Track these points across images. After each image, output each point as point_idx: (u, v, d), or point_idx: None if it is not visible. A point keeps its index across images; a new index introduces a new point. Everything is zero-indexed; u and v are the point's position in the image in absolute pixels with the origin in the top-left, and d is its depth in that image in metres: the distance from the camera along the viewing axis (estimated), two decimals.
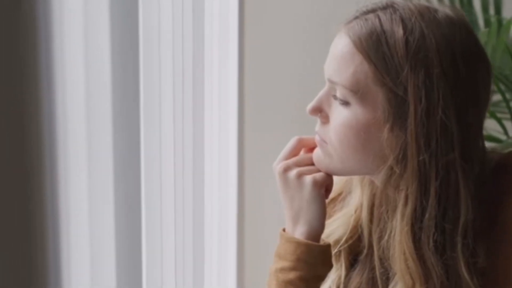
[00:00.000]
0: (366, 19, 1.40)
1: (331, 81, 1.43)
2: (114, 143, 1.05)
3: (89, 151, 1.01)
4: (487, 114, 1.99)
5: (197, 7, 1.89)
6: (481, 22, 2.52)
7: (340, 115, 1.41)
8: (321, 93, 1.45)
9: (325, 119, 1.44)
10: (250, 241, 2.69)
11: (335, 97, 1.42)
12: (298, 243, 1.48)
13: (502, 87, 2.12)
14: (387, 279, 1.47)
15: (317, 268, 1.47)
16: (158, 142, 1.64)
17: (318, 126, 1.47)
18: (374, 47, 1.37)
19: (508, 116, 2.16)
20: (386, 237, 1.43)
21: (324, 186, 1.49)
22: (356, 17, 1.42)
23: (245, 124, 2.57)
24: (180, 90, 1.80)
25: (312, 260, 1.47)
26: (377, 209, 1.45)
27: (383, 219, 1.44)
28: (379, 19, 1.39)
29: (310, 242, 1.47)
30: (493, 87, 2.19)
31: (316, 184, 1.48)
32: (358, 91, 1.38)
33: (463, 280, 1.39)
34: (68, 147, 0.77)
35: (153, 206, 1.60)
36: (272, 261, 1.52)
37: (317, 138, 1.47)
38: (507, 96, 2.13)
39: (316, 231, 1.48)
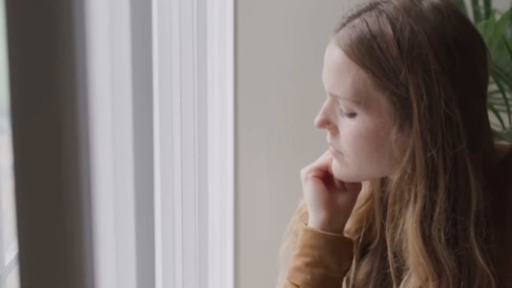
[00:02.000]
0: (353, 26, 1.38)
1: (332, 95, 1.42)
2: (134, 141, 1.05)
3: (114, 147, 1.03)
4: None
5: (200, 15, 1.91)
6: (470, 13, 2.53)
7: (348, 125, 1.41)
8: (325, 105, 1.44)
9: (335, 130, 1.44)
10: (245, 235, 2.69)
11: (340, 109, 1.42)
12: (305, 230, 1.51)
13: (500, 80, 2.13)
14: (399, 273, 1.47)
15: (323, 256, 1.48)
16: (170, 141, 1.65)
17: (329, 138, 1.46)
18: (367, 54, 1.36)
19: (504, 108, 2.17)
20: (399, 232, 1.43)
21: (317, 178, 1.51)
22: (343, 25, 1.40)
23: (239, 122, 2.57)
24: (188, 92, 1.82)
25: (317, 246, 1.48)
26: (390, 206, 1.44)
27: (396, 216, 1.44)
28: (367, 24, 1.37)
29: (315, 229, 1.49)
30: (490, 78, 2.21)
31: (306, 178, 1.52)
32: (361, 101, 1.38)
33: (478, 268, 1.39)
34: (94, 149, 0.78)
35: (166, 203, 1.61)
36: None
37: (331, 149, 1.47)
38: (503, 87, 2.14)
39: (322, 221, 1.49)
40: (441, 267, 1.39)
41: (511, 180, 1.43)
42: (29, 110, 0.70)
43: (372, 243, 1.53)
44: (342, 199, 1.51)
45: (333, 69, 1.40)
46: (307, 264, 1.49)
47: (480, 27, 2.13)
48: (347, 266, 1.50)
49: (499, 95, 2.25)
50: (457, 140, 1.36)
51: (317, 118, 1.44)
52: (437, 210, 1.37)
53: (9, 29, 0.69)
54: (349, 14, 1.41)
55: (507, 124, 2.16)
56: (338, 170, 1.48)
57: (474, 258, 1.38)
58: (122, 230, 1.09)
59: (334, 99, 1.42)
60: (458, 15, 1.40)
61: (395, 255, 1.47)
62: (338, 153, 1.46)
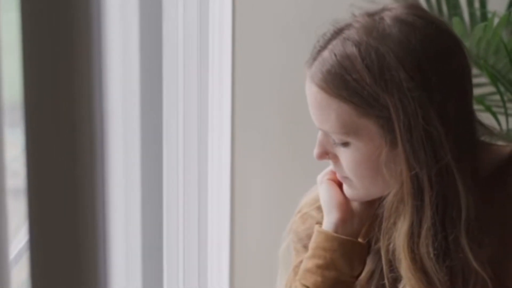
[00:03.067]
0: (323, 60, 1.38)
1: (321, 130, 1.43)
2: (143, 140, 1.05)
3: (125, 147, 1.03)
4: (482, 108, 2.02)
5: (203, 19, 1.93)
6: (466, 15, 2.54)
7: (345, 154, 1.41)
8: (319, 137, 1.45)
9: (335, 159, 1.45)
10: (241, 234, 2.69)
11: (333, 140, 1.42)
12: (319, 232, 1.51)
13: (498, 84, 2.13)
14: (394, 281, 1.47)
15: (335, 259, 1.48)
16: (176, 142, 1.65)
17: (332, 165, 1.48)
18: (343, 86, 1.36)
19: (501, 110, 2.18)
20: (392, 244, 1.43)
21: (332, 181, 1.51)
22: (314, 59, 1.40)
23: (236, 125, 2.58)
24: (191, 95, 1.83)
25: (329, 248, 1.48)
26: (385, 220, 1.45)
27: (390, 229, 1.44)
28: (335, 55, 1.37)
29: (329, 231, 1.48)
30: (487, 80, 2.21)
31: (322, 181, 1.52)
32: (349, 131, 1.38)
33: (472, 273, 1.40)
34: (109, 149, 0.78)
35: (171, 203, 1.61)
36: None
37: (338, 175, 1.49)
38: (501, 90, 2.14)
39: (335, 223, 1.49)
40: (432, 281, 1.39)
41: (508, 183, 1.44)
42: (44, 105, 0.70)
43: (377, 242, 1.54)
44: (356, 203, 1.51)
45: (315, 107, 1.41)
46: (319, 267, 1.48)
47: (477, 29, 2.14)
48: (359, 270, 1.49)
49: (497, 97, 2.25)
50: (441, 153, 1.35)
51: (315, 151, 1.45)
52: (425, 227, 1.38)
53: (24, 29, 0.69)
54: (317, 46, 1.41)
55: (504, 126, 2.17)
56: (348, 193, 1.49)
57: (468, 263, 1.39)
58: (132, 226, 1.09)
59: (326, 133, 1.43)
60: (427, 21, 1.38)
61: (390, 263, 1.47)
62: (344, 178, 1.47)
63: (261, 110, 2.63)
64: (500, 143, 1.55)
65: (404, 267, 1.41)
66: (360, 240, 1.50)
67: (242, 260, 2.68)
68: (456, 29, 2.05)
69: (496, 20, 2.13)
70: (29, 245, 0.75)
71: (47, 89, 0.69)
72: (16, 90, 0.75)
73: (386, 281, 1.46)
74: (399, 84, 1.33)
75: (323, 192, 1.52)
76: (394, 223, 1.42)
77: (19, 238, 1.32)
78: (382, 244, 1.44)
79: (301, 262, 1.56)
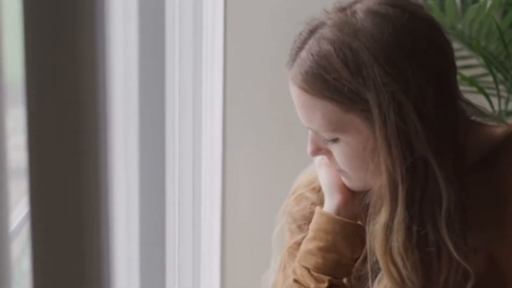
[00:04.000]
0: (302, 60, 1.38)
1: (310, 129, 1.44)
2: (145, 135, 1.06)
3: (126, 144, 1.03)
4: (475, 89, 2.02)
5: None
6: None
7: (336, 149, 1.42)
8: (310, 135, 1.45)
9: (328, 154, 1.45)
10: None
11: (324, 138, 1.43)
12: (320, 214, 1.50)
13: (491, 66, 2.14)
14: (378, 269, 1.47)
15: (337, 242, 1.48)
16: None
17: (327, 161, 1.48)
18: (323, 86, 1.36)
19: (493, 92, 2.18)
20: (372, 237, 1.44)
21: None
22: (293, 60, 1.40)
23: (227, 126, 2.58)
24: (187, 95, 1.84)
25: (331, 231, 1.48)
26: (371, 207, 1.45)
27: (374, 219, 1.44)
28: (312, 55, 1.37)
29: (331, 214, 1.49)
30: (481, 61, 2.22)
31: (321, 164, 1.51)
32: (337, 128, 1.39)
33: (453, 265, 1.39)
34: (113, 144, 0.78)
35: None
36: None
37: (334, 169, 1.49)
38: (493, 71, 2.15)
39: (337, 206, 1.49)
40: (403, 278, 1.40)
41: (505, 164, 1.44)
42: (45, 85, 0.70)
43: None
44: None
45: (301, 107, 1.42)
46: (320, 249, 1.49)
47: (471, 11, 2.14)
48: (359, 253, 1.49)
49: (488, 78, 2.26)
50: (418, 146, 1.35)
51: (309, 149, 1.46)
52: (396, 221, 1.38)
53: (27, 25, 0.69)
54: (295, 46, 1.41)
55: (496, 107, 2.17)
56: (347, 184, 1.49)
57: (449, 254, 1.39)
58: (133, 217, 1.09)
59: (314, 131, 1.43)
60: (400, 10, 1.36)
61: (373, 252, 1.47)
62: (340, 171, 1.47)
63: (252, 103, 2.63)
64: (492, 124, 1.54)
65: (379, 258, 1.42)
66: (359, 222, 1.51)
67: (233, 247, 2.69)
68: (435, 13, 2.04)
69: (488, 2, 2.13)
70: (30, 222, 0.75)
71: (49, 68, 0.69)
72: (17, 69, 0.75)
73: (369, 267, 1.46)
74: (374, 79, 1.33)
75: (323, 175, 1.52)
76: (376, 213, 1.42)
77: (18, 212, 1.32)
78: (367, 230, 1.45)
79: (295, 243, 1.56)
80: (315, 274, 1.48)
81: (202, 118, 2.09)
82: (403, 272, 1.39)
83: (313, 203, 1.55)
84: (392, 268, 1.40)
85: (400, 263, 1.39)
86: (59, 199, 0.76)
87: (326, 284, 1.48)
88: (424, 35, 1.37)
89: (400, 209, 1.37)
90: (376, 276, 1.45)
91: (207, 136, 2.20)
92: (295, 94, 1.41)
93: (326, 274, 1.48)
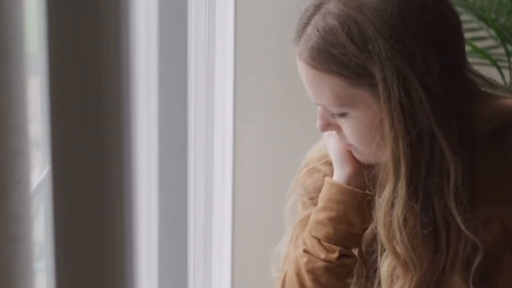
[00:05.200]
0: (308, 36, 1.38)
1: (319, 104, 1.43)
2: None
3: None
4: (485, 61, 2.01)
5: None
6: None
7: (345, 124, 1.42)
8: (319, 111, 1.45)
9: (338, 129, 1.45)
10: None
11: (332, 113, 1.42)
12: (331, 184, 1.50)
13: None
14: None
15: (348, 212, 1.48)
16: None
17: (336, 136, 1.47)
18: (330, 61, 1.36)
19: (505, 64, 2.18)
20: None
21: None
22: (300, 36, 1.40)
23: (237, 102, 2.58)
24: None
25: (342, 201, 1.48)
26: (378, 180, 1.45)
27: (379, 191, 1.44)
28: (318, 31, 1.37)
29: (342, 184, 1.49)
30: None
31: (330, 134, 1.50)
32: (345, 103, 1.38)
33: (461, 239, 1.39)
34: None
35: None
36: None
37: (343, 144, 1.48)
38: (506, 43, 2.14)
39: (348, 176, 1.49)
40: (401, 253, 1.40)
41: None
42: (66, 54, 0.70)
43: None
44: None
45: (308, 83, 1.41)
46: (331, 219, 1.49)
47: None
48: (369, 224, 1.49)
49: (499, 51, 2.25)
50: (423, 121, 1.34)
51: (318, 124, 1.45)
52: (399, 195, 1.38)
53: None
54: (301, 22, 1.40)
55: (508, 80, 2.17)
56: (357, 157, 1.49)
57: (458, 228, 1.39)
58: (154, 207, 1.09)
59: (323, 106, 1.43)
60: None
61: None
62: (350, 146, 1.47)
63: (261, 80, 2.63)
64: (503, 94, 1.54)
65: (379, 232, 1.42)
66: (368, 192, 1.51)
67: (243, 221, 2.70)
68: None
69: None
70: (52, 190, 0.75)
71: (72, 36, 0.69)
72: (36, 38, 0.75)
73: (379, 242, 1.46)
74: (379, 53, 1.33)
75: (332, 146, 1.52)
76: (382, 187, 1.42)
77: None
78: (376, 203, 1.45)
79: (308, 215, 1.56)
80: (326, 244, 1.49)
81: (215, 96, 2.09)
82: (401, 247, 1.39)
83: (325, 176, 1.55)
84: (391, 243, 1.40)
85: (399, 237, 1.39)
86: (82, 190, 0.76)
87: (336, 254, 1.48)
88: (429, 7, 1.36)
89: (401, 184, 1.37)
90: (385, 250, 1.46)
91: (218, 117, 2.21)
92: (303, 70, 1.41)
93: (336, 244, 1.49)
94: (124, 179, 0.74)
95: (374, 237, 1.48)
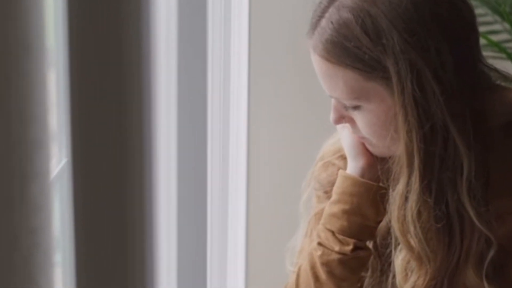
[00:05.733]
0: (322, 29, 1.38)
1: (332, 97, 1.43)
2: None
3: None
4: (503, 55, 2.00)
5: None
6: None
7: (359, 117, 1.42)
8: (333, 103, 1.45)
9: (351, 122, 1.45)
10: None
11: (346, 106, 1.42)
12: (345, 177, 1.51)
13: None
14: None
15: (362, 204, 1.48)
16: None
17: (350, 129, 1.47)
18: (344, 54, 1.36)
19: None
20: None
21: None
22: (314, 29, 1.40)
23: (251, 95, 2.58)
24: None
25: (356, 193, 1.48)
26: (392, 174, 1.45)
27: (394, 185, 1.44)
28: (332, 23, 1.36)
29: (356, 176, 1.49)
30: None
31: (343, 126, 1.50)
32: (359, 96, 1.38)
33: (475, 233, 1.39)
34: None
35: None
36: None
37: (356, 137, 1.48)
38: None
39: (362, 168, 1.49)
40: (415, 247, 1.40)
41: None
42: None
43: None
44: None
45: (322, 76, 1.41)
46: (345, 212, 1.49)
47: None
48: (383, 216, 1.49)
49: None
50: (437, 113, 1.34)
51: (331, 117, 1.45)
52: (410, 189, 1.38)
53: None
54: (315, 15, 1.40)
55: None
56: (371, 150, 1.49)
57: (471, 222, 1.39)
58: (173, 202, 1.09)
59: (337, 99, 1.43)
60: None
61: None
62: (363, 138, 1.47)
63: (276, 73, 2.63)
64: None
65: (393, 226, 1.42)
66: (382, 185, 1.51)
67: (257, 215, 2.70)
68: None
69: None
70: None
71: (92, 29, 0.69)
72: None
73: (393, 235, 1.46)
74: (393, 47, 1.33)
75: (346, 139, 1.52)
76: (396, 180, 1.42)
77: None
78: (390, 196, 1.45)
79: (322, 209, 1.56)
80: (340, 236, 1.49)
81: (230, 87, 2.09)
82: (415, 240, 1.39)
83: (340, 169, 1.55)
84: (405, 237, 1.40)
85: (412, 231, 1.39)
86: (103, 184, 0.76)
87: (351, 247, 1.48)
88: (443, 0, 1.36)
89: (415, 178, 1.37)
90: (399, 243, 1.46)
91: (233, 109, 2.21)
92: (317, 63, 1.41)
93: (351, 236, 1.49)
94: (144, 172, 0.74)
95: (388, 230, 1.48)
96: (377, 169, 1.49)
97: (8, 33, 0.60)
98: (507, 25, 2.21)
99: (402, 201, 1.40)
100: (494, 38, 2.26)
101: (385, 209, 1.48)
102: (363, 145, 1.49)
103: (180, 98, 1.05)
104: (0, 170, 0.63)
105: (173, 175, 1.07)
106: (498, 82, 1.47)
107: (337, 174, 1.55)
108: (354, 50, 1.35)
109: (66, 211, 0.76)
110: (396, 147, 1.41)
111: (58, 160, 1.33)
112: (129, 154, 0.77)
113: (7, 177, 0.63)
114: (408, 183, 1.38)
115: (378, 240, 1.51)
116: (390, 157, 1.45)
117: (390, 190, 1.44)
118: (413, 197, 1.38)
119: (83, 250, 0.78)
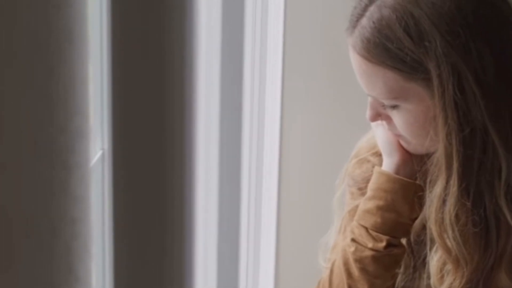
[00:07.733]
0: (362, 28, 1.37)
1: (370, 96, 1.43)
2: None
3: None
4: None
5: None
6: None
7: (396, 116, 1.41)
8: (370, 101, 1.44)
9: (388, 119, 1.45)
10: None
11: (383, 104, 1.42)
12: (380, 173, 1.50)
13: None
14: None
15: (396, 201, 1.47)
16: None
17: (386, 126, 1.47)
18: (385, 54, 1.35)
19: None
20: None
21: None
22: (354, 27, 1.38)
23: (285, 92, 2.58)
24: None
25: (391, 190, 1.47)
26: (429, 175, 1.44)
27: (431, 186, 1.43)
28: (374, 23, 1.35)
29: (390, 173, 1.48)
30: None
31: (378, 124, 1.50)
32: (398, 96, 1.38)
33: (511, 236, 1.39)
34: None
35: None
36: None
37: (392, 134, 1.48)
38: None
39: (396, 165, 1.48)
40: (453, 249, 1.39)
41: None
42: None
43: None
44: None
45: (361, 75, 1.41)
46: (379, 208, 1.48)
47: None
48: (417, 214, 1.49)
49: None
50: (477, 117, 1.33)
51: (368, 114, 1.45)
52: (451, 192, 1.37)
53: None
54: (355, 13, 1.39)
55: None
56: (406, 147, 1.49)
57: (508, 224, 1.38)
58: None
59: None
60: None
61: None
62: (399, 136, 1.46)
63: (310, 70, 2.62)
64: None
65: (431, 227, 1.41)
66: (417, 182, 1.50)
67: (289, 212, 2.70)
68: None
69: None
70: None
71: (136, 26, 0.69)
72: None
73: (428, 234, 1.45)
74: (435, 49, 1.31)
75: (381, 135, 1.51)
76: (434, 181, 1.41)
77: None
78: (426, 196, 1.44)
79: (356, 206, 1.56)
80: (374, 233, 1.48)
81: (266, 84, 2.09)
82: (453, 243, 1.38)
83: (374, 166, 1.55)
84: (443, 239, 1.39)
85: (450, 234, 1.38)
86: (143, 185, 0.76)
87: (384, 244, 1.48)
88: (486, 2, 1.35)
89: (453, 181, 1.36)
90: (434, 244, 1.45)
91: (268, 107, 2.21)
92: (356, 62, 1.40)
93: (384, 233, 1.48)
94: (184, 163, 0.74)
95: (423, 228, 1.47)
96: (412, 166, 1.48)
97: (51, 21, 0.60)
98: None
99: (440, 204, 1.39)
100: None
101: (420, 207, 1.47)
102: (398, 142, 1.49)
103: (221, 91, 1.05)
104: (43, 161, 0.63)
105: (213, 167, 1.07)
106: None
107: (371, 170, 1.55)
108: (395, 51, 1.34)
109: (105, 202, 0.76)
110: (433, 147, 1.40)
111: (93, 151, 1.33)
112: (169, 146, 0.77)
113: (49, 167, 0.63)
114: (446, 186, 1.38)
115: (412, 236, 1.50)
116: (428, 158, 1.44)
117: (427, 191, 1.43)
118: (451, 200, 1.37)
119: (122, 242, 0.78)
